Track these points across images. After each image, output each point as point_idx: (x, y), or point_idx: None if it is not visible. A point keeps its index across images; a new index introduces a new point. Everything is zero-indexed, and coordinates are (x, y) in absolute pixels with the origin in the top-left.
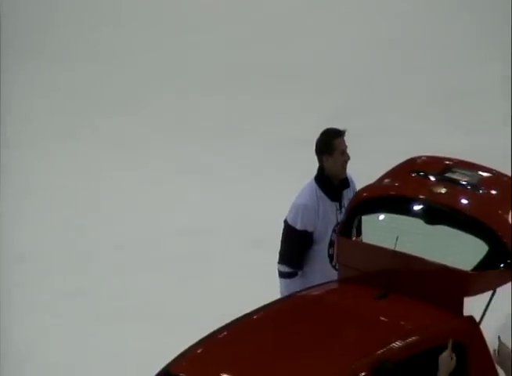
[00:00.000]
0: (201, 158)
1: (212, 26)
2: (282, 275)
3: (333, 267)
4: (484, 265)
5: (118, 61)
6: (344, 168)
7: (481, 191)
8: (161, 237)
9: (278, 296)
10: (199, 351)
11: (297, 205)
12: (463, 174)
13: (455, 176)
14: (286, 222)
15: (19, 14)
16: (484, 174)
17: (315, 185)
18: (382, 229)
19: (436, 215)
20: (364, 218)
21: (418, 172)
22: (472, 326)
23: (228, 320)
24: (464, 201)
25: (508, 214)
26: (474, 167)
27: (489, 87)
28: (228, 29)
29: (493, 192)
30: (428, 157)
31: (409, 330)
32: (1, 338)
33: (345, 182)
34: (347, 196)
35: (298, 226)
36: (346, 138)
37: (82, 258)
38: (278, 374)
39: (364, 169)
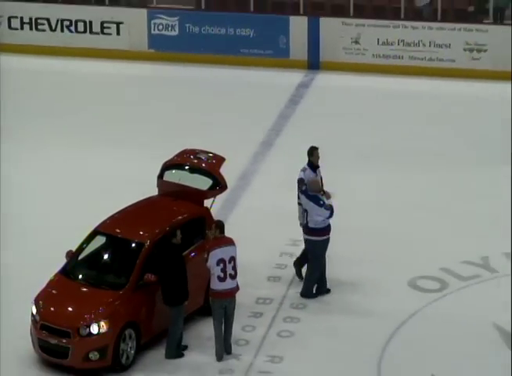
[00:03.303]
0: None
1: None
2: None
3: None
4: (210, 188)
5: None
6: (317, 161)
7: (209, 160)
8: None
9: None
10: (115, 216)
11: (306, 173)
12: (203, 154)
13: (200, 156)
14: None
15: None
16: (211, 154)
17: (308, 167)
18: (173, 175)
19: (193, 169)
20: (166, 172)
21: (187, 154)
22: (207, 210)
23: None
24: (203, 164)
25: (219, 168)
26: (209, 152)
27: None
28: None
29: (214, 161)
30: (192, 149)
31: (186, 210)
32: None
33: (317, 166)
34: (319, 173)
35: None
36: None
37: None
38: (138, 222)
39: None
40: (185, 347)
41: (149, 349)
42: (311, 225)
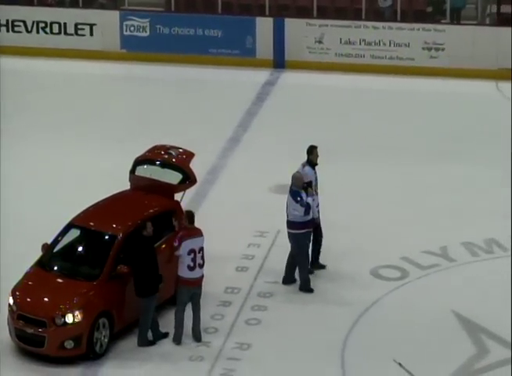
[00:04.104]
0: None
1: None
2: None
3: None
4: (180, 182)
5: None
6: (316, 159)
7: (179, 156)
8: None
9: None
10: (89, 210)
11: (304, 170)
12: (174, 150)
13: (170, 151)
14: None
15: None
16: (181, 150)
17: (307, 164)
18: (144, 170)
19: (164, 164)
20: (138, 167)
21: (158, 149)
22: (178, 203)
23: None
24: (174, 159)
25: (189, 163)
26: (179, 148)
27: None
28: None
29: (183, 156)
30: (163, 145)
31: (157, 203)
32: None
33: (316, 164)
34: (316, 170)
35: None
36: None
37: None
38: (111, 215)
39: None
40: (166, 334)
41: (122, 338)
42: (289, 218)
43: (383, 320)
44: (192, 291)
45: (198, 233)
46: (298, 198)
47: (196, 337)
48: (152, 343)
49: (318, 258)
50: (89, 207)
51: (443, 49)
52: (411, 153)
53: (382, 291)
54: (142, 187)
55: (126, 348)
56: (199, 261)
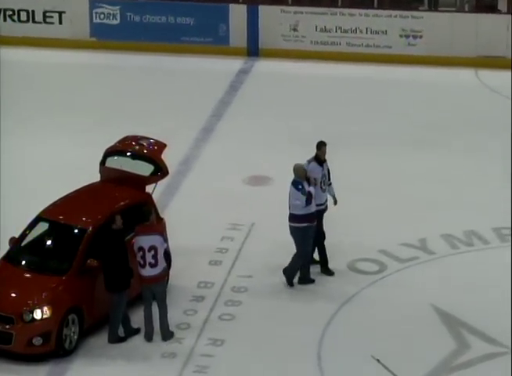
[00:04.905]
0: None
1: None
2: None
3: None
4: (152, 174)
5: None
6: (324, 156)
7: (150, 147)
8: None
9: None
10: (57, 203)
11: (310, 165)
12: (145, 140)
13: (142, 142)
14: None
15: None
16: (153, 141)
17: (314, 160)
18: (115, 162)
19: (135, 156)
20: (108, 158)
21: (129, 140)
22: (149, 195)
23: None
24: (145, 150)
25: (160, 154)
26: (151, 138)
27: None
28: None
29: (155, 147)
30: (134, 135)
31: (128, 196)
32: None
33: (324, 160)
34: (325, 166)
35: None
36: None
37: None
38: (81, 208)
39: None
40: (138, 330)
41: (92, 334)
42: (291, 210)
43: (360, 315)
44: (150, 287)
45: (151, 230)
46: (300, 186)
47: (164, 335)
48: (123, 339)
49: (326, 263)
50: (58, 200)
51: (421, 37)
52: (388, 142)
53: (359, 286)
54: (112, 179)
55: (96, 345)
56: (149, 260)
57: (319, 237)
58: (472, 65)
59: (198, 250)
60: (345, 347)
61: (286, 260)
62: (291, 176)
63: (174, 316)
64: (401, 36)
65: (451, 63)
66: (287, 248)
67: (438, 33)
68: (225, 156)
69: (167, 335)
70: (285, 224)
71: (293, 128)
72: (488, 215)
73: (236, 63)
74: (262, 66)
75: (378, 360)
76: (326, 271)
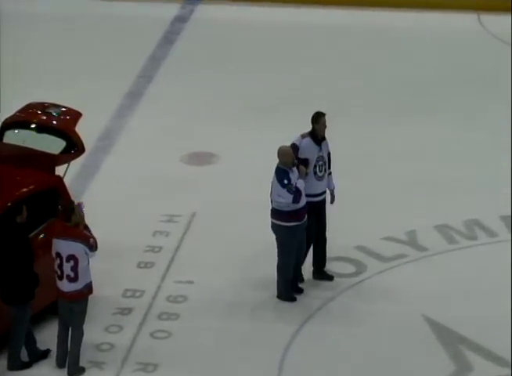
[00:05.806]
0: None
1: None
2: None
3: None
4: (63, 151)
5: None
6: (323, 131)
7: (61, 117)
8: None
9: None
10: None
11: (303, 141)
12: (54, 109)
13: (50, 110)
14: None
15: None
16: (65, 109)
17: (309, 136)
18: (15, 136)
19: (41, 128)
20: (7, 132)
21: (34, 109)
22: (60, 179)
23: None
24: (54, 121)
25: (74, 126)
26: (62, 106)
27: None
28: None
29: (67, 117)
30: (39, 102)
31: (32, 180)
32: None
33: (323, 138)
34: (325, 147)
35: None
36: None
37: None
38: None
39: None
40: (46, 353)
41: None
42: (273, 205)
43: (331, 331)
44: (66, 304)
45: (72, 235)
46: (285, 181)
47: (70, 371)
48: (27, 365)
49: (323, 265)
50: None
51: None
52: (369, 111)
53: (330, 293)
54: (12, 158)
55: None
56: (67, 272)
57: (318, 241)
58: (474, 8)
59: (123, 249)
60: (311, 371)
61: (238, 260)
62: (241, 153)
63: (92, 335)
64: None
65: (450, 6)
66: (238, 244)
67: None
68: (158, 128)
69: (74, 371)
70: (234, 214)
71: (244, 92)
72: (495, 201)
73: (171, 8)
74: (204, 11)
75: None
76: (324, 276)
